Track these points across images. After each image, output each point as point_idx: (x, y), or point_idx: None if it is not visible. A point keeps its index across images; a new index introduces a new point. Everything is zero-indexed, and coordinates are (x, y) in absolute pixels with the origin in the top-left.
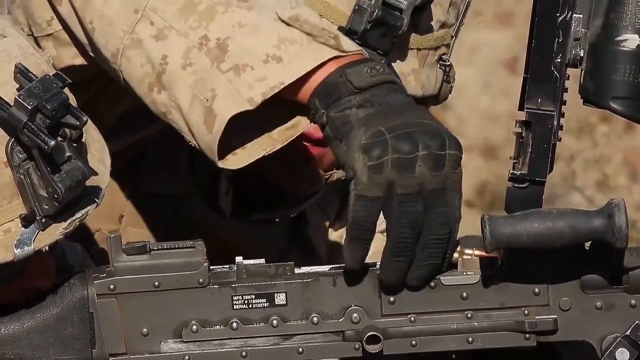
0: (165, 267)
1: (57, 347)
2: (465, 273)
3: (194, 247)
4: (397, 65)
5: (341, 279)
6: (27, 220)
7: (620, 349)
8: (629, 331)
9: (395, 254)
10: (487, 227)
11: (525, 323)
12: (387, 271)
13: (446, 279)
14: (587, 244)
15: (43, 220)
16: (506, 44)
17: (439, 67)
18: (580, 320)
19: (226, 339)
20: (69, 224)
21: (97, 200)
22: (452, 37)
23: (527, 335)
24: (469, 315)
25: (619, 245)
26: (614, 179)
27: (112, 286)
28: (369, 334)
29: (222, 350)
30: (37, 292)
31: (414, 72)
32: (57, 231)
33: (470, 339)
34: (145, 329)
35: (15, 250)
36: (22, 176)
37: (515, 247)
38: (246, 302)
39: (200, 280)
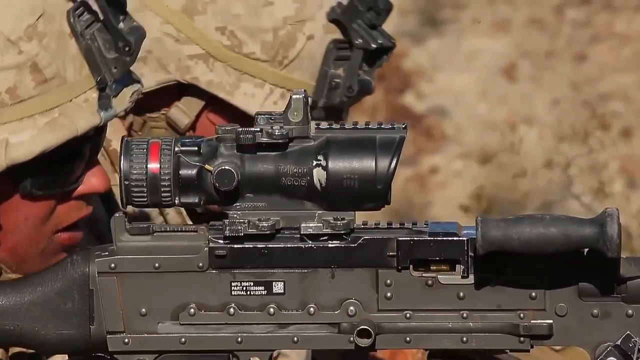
0: (166, 249)
1: (57, 321)
2: (463, 273)
3: (196, 232)
4: None
5: (340, 272)
6: (102, 83)
7: (609, 358)
8: (620, 341)
9: None
10: (479, 229)
11: (520, 326)
12: None
13: (444, 277)
14: (585, 251)
15: (114, 86)
16: (503, 51)
17: None
18: (576, 327)
19: (223, 324)
20: (132, 93)
21: (141, 82)
22: None
23: (522, 339)
24: (465, 315)
25: (610, 254)
26: (609, 186)
27: (113, 265)
28: (360, 327)
29: (218, 334)
30: (93, 201)
31: None
32: (126, 98)
33: (464, 338)
34: (143, 309)
35: (100, 113)
36: (88, 42)
37: (507, 251)
38: (244, 288)
39: (200, 264)
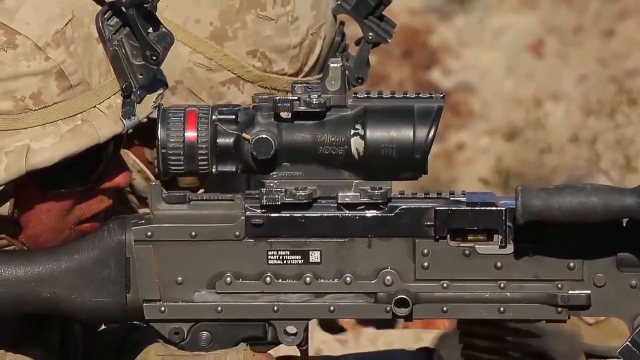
0: (203, 217)
1: (93, 289)
2: (500, 243)
3: (232, 200)
4: None
5: (377, 241)
6: (127, 91)
7: None
8: None
9: None
10: (520, 198)
11: (558, 297)
12: None
13: (481, 247)
14: (625, 222)
15: (138, 92)
16: (530, 28)
17: None
18: (614, 298)
19: (259, 292)
20: (156, 98)
21: (167, 83)
22: None
23: (559, 309)
24: (502, 285)
25: None
26: (636, 161)
27: (149, 233)
28: (397, 297)
29: (254, 303)
30: (116, 195)
31: None
32: (149, 104)
33: (501, 308)
34: (180, 278)
35: (124, 120)
36: (115, 48)
37: (547, 221)
38: (281, 257)
39: (237, 233)
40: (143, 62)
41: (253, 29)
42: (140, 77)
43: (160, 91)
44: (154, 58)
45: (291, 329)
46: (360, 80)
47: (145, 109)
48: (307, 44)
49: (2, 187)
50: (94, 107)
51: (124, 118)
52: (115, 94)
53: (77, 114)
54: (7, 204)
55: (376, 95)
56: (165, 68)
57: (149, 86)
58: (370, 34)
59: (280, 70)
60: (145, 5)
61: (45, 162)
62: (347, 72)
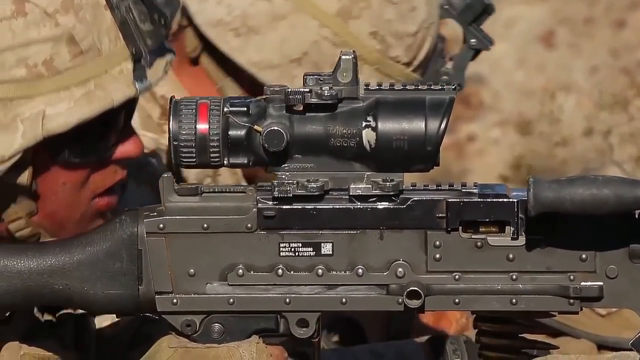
0: (215, 210)
1: (105, 281)
2: (512, 234)
3: (244, 192)
4: None
5: (388, 233)
6: (137, 56)
7: None
8: None
9: None
10: (531, 190)
11: (570, 288)
12: None
13: (493, 239)
14: (637, 213)
15: (148, 57)
16: (541, 19)
17: None
18: (627, 289)
19: (271, 284)
20: (166, 63)
21: (174, 51)
22: None
23: (572, 301)
24: (514, 277)
25: None
26: None
27: (161, 225)
28: (409, 288)
29: (267, 295)
30: (127, 165)
31: None
32: (160, 68)
33: (514, 300)
34: (192, 270)
35: (135, 85)
36: (124, 14)
37: (559, 212)
38: (293, 249)
39: (249, 225)
40: (151, 27)
41: (377, 10)
42: (149, 42)
43: (169, 57)
44: (163, 21)
45: (303, 321)
46: (459, 87)
47: (156, 73)
48: (420, 37)
49: (20, 154)
50: (106, 72)
51: (136, 81)
52: (125, 59)
53: (90, 79)
54: (26, 172)
55: (388, 87)
56: (294, 39)
57: (159, 51)
58: (473, 40)
59: (395, 56)
60: None
61: (61, 127)
62: (446, 77)
